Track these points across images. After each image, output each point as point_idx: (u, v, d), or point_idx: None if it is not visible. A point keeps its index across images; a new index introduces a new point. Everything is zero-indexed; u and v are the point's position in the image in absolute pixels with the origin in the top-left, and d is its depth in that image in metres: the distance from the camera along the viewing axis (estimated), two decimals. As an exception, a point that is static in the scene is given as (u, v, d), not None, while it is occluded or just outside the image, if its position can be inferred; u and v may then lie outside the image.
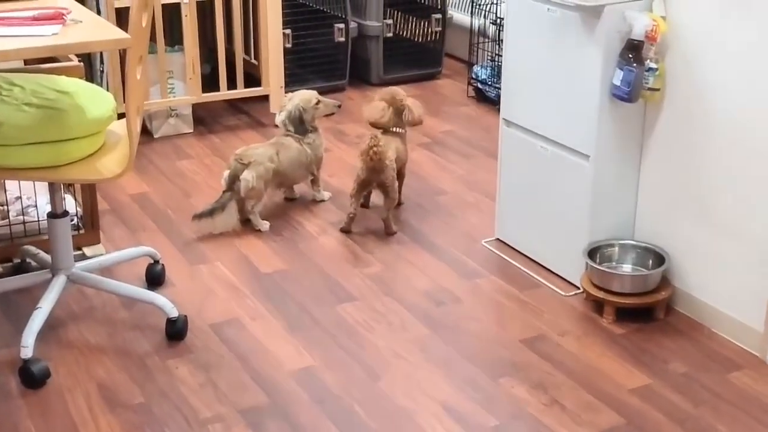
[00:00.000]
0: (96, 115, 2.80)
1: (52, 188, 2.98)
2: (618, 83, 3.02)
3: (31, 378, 2.75)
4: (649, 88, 3.04)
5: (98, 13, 4.39)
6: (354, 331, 3.07)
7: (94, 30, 2.69)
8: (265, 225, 3.75)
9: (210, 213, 3.66)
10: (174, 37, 4.75)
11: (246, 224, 3.74)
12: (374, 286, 3.34)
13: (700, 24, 2.93)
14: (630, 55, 2.99)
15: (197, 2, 4.54)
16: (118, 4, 4.31)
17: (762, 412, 2.69)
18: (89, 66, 4.60)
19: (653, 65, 3.01)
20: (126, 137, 2.80)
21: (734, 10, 2.82)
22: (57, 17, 2.73)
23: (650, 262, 3.21)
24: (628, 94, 3.01)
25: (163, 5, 4.47)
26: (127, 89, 2.69)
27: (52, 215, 2.98)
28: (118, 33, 2.66)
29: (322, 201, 4.00)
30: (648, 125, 3.17)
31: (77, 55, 3.32)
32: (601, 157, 3.15)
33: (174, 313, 2.98)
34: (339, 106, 4.11)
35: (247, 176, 3.68)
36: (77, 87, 2.92)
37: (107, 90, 4.38)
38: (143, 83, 2.81)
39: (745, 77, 2.82)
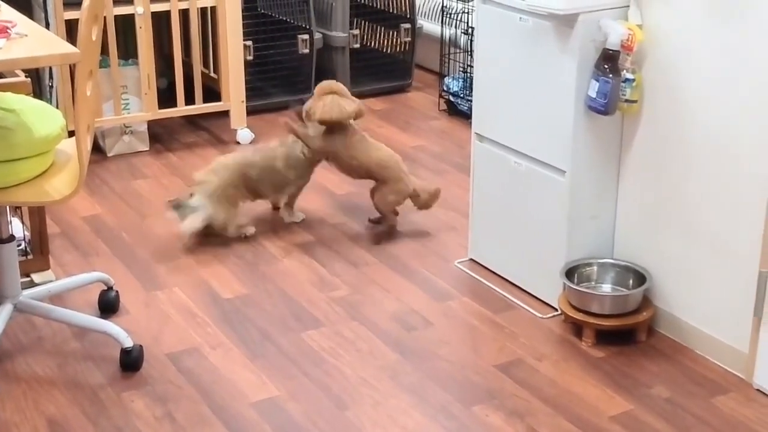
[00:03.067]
0: (44, 133, 2.79)
1: (-2, 211, 2.96)
2: (594, 95, 3.04)
3: (-24, 414, 2.72)
4: (627, 100, 3.06)
5: (47, 25, 4.38)
6: (320, 358, 3.06)
7: (41, 44, 2.68)
8: (251, 230, 3.85)
9: (182, 208, 3.72)
10: (128, 50, 4.75)
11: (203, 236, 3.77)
12: (341, 311, 3.33)
13: (678, 32, 2.96)
14: (606, 66, 3.02)
15: (152, 13, 4.54)
16: (68, 16, 4.30)
17: (748, 437, 2.71)
18: (37, 81, 4.58)
19: (630, 76, 3.03)
20: (76, 156, 2.79)
21: (712, 18, 2.85)
22: (1, 31, 2.72)
23: (631, 281, 3.23)
24: (604, 106, 3.04)
25: (116, 16, 4.47)
26: (76, 106, 2.68)
27: (-3, 240, 2.96)
28: (66, 47, 2.65)
29: (292, 222, 4.00)
30: (626, 138, 3.19)
31: (24, 71, 3.30)
32: (577, 172, 3.17)
33: (128, 342, 2.96)
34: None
35: (195, 218, 3.71)
36: (24, 104, 2.90)
37: (57, 106, 4.37)
38: (94, 99, 2.81)
39: (725, 87, 2.85)
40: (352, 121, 3.90)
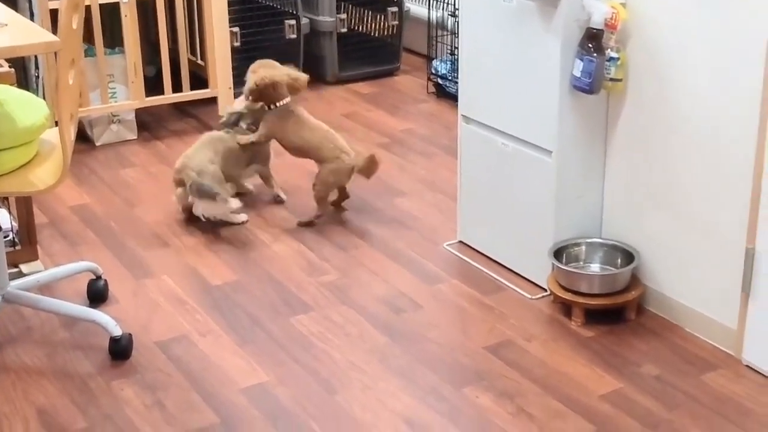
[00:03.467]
0: (28, 123, 2.78)
1: (-17, 203, 2.95)
2: (578, 74, 3.03)
3: (-35, 405, 2.72)
4: (611, 79, 3.06)
5: (31, 14, 4.36)
6: (309, 343, 3.06)
7: (21, 33, 2.67)
8: (242, 217, 3.85)
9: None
10: (114, 39, 4.73)
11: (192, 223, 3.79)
12: (330, 295, 3.33)
13: (662, 10, 2.95)
14: (590, 45, 3.01)
15: (138, 1, 4.52)
16: (52, 6, 4.28)
17: (738, 413, 2.71)
18: (23, 71, 4.57)
19: (614, 54, 3.03)
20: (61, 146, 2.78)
21: (696, -6, 2.85)
22: (-19, 21, 2.72)
23: (619, 260, 3.23)
24: (589, 85, 3.03)
25: (101, 5, 4.45)
26: (58, 95, 2.67)
27: (-17, 231, 2.95)
28: (47, 36, 2.64)
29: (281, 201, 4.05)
30: (611, 117, 3.19)
31: (8, 61, 3.29)
32: (563, 152, 3.17)
33: (117, 331, 2.96)
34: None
35: (198, 209, 3.74)
36: (7, 94, 2.89)
37: (43, 96, 4.36)
38: (76, 88, 2.80)
39: (710, 64, 2.85)
40: (287, 101, 3.89)
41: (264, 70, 3.90)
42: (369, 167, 3.85)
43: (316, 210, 3.84)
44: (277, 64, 3.99)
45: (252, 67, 3.97)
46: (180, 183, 3.78)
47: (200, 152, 3.86)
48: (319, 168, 3.84)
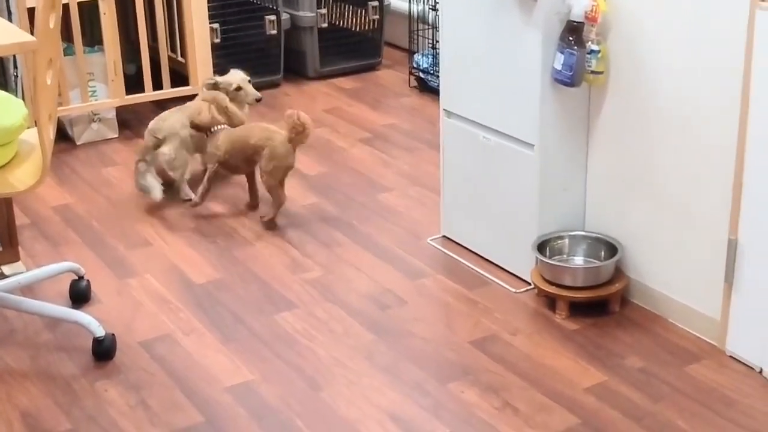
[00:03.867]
0: (6, 124, 2.77)
1: (-37, 204, 2.94)
2: (559, 67, 3.03)
3: (-52, 409, 2.71)
4: (592, 71, 3.06)
5: (8, 13, 4.34)
6: (293, 340, 3.06)
7: (-3, 33, 2.66)
8: (192, 194, 3.95)
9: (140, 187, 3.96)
10: (94, 37, 4.71)
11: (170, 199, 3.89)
12: (314, 292, 3.33)
13: (641, 2, 2.95)
14: (570, 38, 3.01)
15: (116, -1, 4.51)
16: (30, 4, 4.25)
17: (722, 404, 2.72)
18: (2, 70, 4.54)
19: (595, 47, 3.03)
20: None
21: (675, -15, 2.85)
22: (-43, 21, 2.70)
23: (602, 253, 3.23)
24: (570, 78, 3.03)
25: (80, 3, 4.43)
26: (36, 95, 2.65)
27: (-37, 233, 2.94)
28: (23, 36, 2.62)
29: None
30: (593, 110, 3.19)
31: (-14, 61, 3.28)
32: (546, 146, 3.17)
33: (100, 331, 2.95)
34: (258, 100, 4.21)
35: (165, 150, 3.95)
36: (-16, 95, 2.88)
37: (22, 95, 4.33)
38: (54, 88, 2.78)
39: (689, 55, 2.85)
40: (223, 127, 3.88)
41: (199, 112, 3.86)
42: (296, 129, 3.71)
43: (272, 203, 3.82)
44: (221, 100, 3.96)
45: (203, 96, 3.97)
46: (146, 149, 3.97)
47: (175, 115, 4.02)
48: (259, 166, 3.81)
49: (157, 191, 3.91)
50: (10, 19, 4.36)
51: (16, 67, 4.47)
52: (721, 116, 2.80)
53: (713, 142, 2.84)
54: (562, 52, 3.02)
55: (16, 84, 4.50)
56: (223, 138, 3.82)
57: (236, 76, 4.18)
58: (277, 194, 3.78)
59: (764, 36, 2.61)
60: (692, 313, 3.03)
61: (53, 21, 2.67)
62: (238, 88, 4.12)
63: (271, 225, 3.78)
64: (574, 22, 3.00)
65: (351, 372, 2.90)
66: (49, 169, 2.77)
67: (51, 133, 2.77)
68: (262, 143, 3.75)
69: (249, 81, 4.20)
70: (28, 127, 2.91)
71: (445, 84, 3.51)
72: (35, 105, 2.68)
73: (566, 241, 3.28)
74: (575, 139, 3.22)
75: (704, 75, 2.83)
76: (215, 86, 4.11)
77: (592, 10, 2.98)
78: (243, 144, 3.80)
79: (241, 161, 3.83)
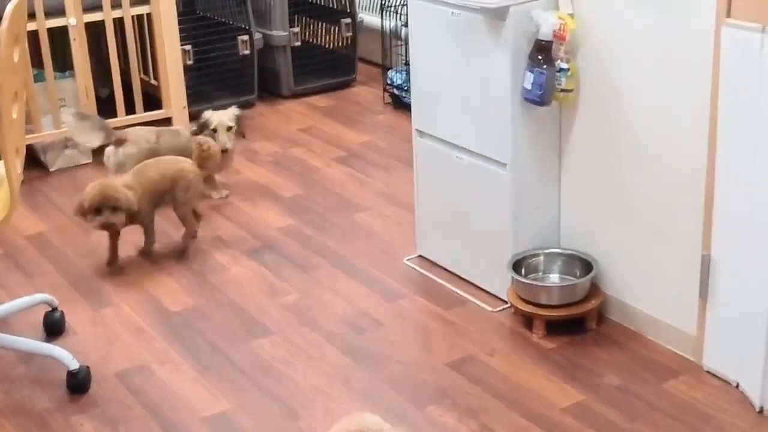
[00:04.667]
0: (-27, 159, 2.75)
1: (-68, 240, 2.91)
2: (529, 87, 3.03)
3: None
4: (562, 90, 3.06)
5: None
6: (271, 367, 3.04)
7: (-40, 70, 2.63)
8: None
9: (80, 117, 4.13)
10: (65, 63, 4.69)
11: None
12: (291, 317, 3.32)
13: (609, 19, 2.96)
14: (539, 57, 3.01)
15: (87, 23, 4.49)
16: (-1, 32, 4.22)
17: (700, 420, 2.72)
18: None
19: (564, 65, 3.03)
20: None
21: (641, 2, 2.85)
22: None
23: (578, 270, 3.23)
24: (540, 97, 3.03)
25: (49, 29, 4.41)
26: (2, 131, 2.63)
27: (-67, 270, 2.91)
28: (-14, 72, 2.60)
29: (221, 198, 4.21)
30: (564, 128, 3.19)
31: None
32: (518, 164, 3.17)
33: (74, 364, 2.93)
34: (224, 151, 4.12)
35: (120, 151, 4.07)
36: (-48, 129, 2.85)
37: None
38: (21, 122, 2.76)
39: (658, 71, 2.86)
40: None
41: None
42: (202, 154, 3.79)
43: (185, 234, 3.79)
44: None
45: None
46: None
47: (150, 131, 4.19)
48: (172, 196, 3.75)
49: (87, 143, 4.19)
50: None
51: (-14, 95, 4.44)
52: (691, 132, 2.80)
53: (684, 158, 2.85)
54: (531, 71, 3.02)
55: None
56: (131, 182, 3.68)
57: (218, 117, 4.19)
58: (192, 223, 3.79)
59: (730, 52, 2.62)
60: (668, 328, 3.03)
61: (17, 54, 2.65)
62: (214, 130, 4.15)
63: (183, 255, 3.76)
64: (543, 41, 3.00)
65: (329, 399, 2.89)
66: (17, 203, 2.75)
67: (18, 167, 2.75)
68: (177, 175, 3.73)
69: (236, 119, 4.22)
70: (-3, 161, 2.89)
71: (416, 104, 3.51)
72: (1, 140, 2.65)
73: (541, 258, 3.28)
74: (547, 157, 3.22)
75: (673, 91, 2.83)
76: (201, 126, 4.17)
77: (560, 29, 2.98)
78: (156, 182, 3.71)
79: (157, 199, 3.74)
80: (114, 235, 3.69)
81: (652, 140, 2.93)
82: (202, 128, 4.16)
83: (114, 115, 4.66)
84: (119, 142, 4.09)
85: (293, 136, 4.88)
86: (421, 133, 3.50)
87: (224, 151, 4.08)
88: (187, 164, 3.77)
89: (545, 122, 3.17)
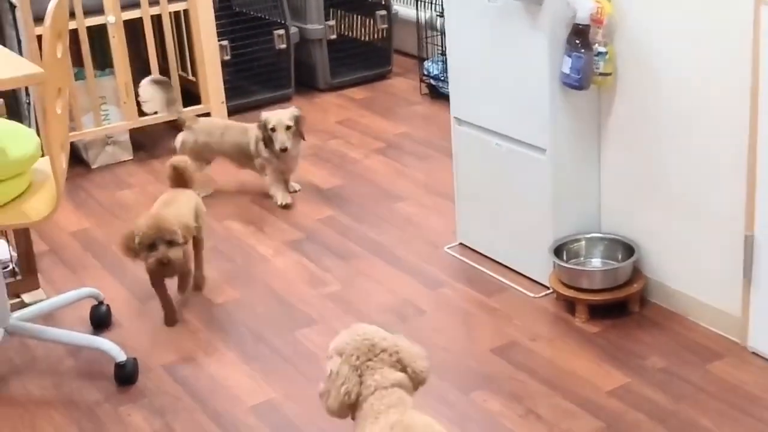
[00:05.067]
0: (18, 155, 2.78)
1: (-21, 237, 2.96)
2: (567, 71, 3.03)
3: (-26, 441, 2.73)
4: (601, 73, 3.05)
5: (18, 42, 4.37)
6: (315, 356, 3.06)
7: (4, 66, 2.67)
8: (205, 191, 4.11)
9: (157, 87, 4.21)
10: (104, 60, 4.73)
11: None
12: (334, 307, 3.33)
13: (646, 1, 2.95)
14: (577, 41, 3.01)
15: (125, 21, 4.53)
16: (39, 31, 4.27)
17: (745, 401, 2.71)
18: (15, 98, 4.57)
19: (602, 49, 3.02)
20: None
21: (679, -16, 2.85)
22: (-35, 55, 2.72)
23: (619, 254, 3.22)
24: (579, 81, 3.03)
25: (89, 27, 4.46)
26: (46, 125, 2.67)
27: (-19, 266, 2.96)
28: (30, 67, 2.64)
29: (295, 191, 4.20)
30: (604, 112, 3.18)
31: (-2, 91, 3.30)
32: (557, 150, 3.17)
33: (122, 356, 2.96)
34: (284, 150, 4.02)
35: (179, 135, 4.19)
36: (-3, 127, 2.90)
37: (35, 124, 4.36)
38: (65, 117, 2.80)
39: (696, 51, 2.84)
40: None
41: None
42: (177, 173, 3.49)
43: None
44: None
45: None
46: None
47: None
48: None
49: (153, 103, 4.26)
50: (19, 47, 4.40)
51: (28, 94, 4.50)
52: (732, 112, 2.78)
53: (725, 138, 2.83)
54: (569, 56, 3.02)
55: (28, 111, 4.53)
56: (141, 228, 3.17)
57: (277, 116, 4.07)
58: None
59: (771, 31, 2.60)
60: (712, 310, 3.01)
61: (60, 50, 2.69)
62: (273, 129, 4.03)
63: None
64: (580, 24, 2.99)
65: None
66: (63, 198, 2.79)
67: (63, 162, 2.79)
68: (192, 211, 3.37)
69: (295, 119, 4.07)
70: (41, 156, 2.92)
71: (454, 92, 3.51)
72: (47, 135, 2.70)
73: (583, 243, 3.28)
74: (587, 142, 3.21)
75: (713, 72, 2.82)
76: (264, 125, 4.07)
77: (597, 12, 2.98)
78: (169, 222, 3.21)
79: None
80: (161, 284, 3.28)
81: (692, 121, 2.91)
82: (263, 128, 4.05)
83: (153, 111, 4.69)
84: (183, 125, 4.20)
85: (331, 129, 4.90)
86: (459, 120, 3.51)
87: (283, 150, 4.01)
88: (184, 195, 3.42)
89: (584, 106, 3.16)
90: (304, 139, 4.14)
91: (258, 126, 4.10)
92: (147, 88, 4.24)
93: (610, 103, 3.14)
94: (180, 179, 3.48)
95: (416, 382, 2.23)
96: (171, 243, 3.15)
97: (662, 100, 2.98)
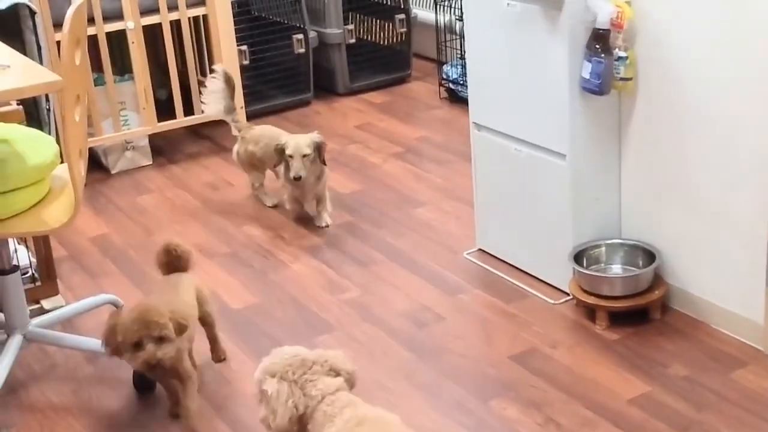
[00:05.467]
0: (37, 161, 2.78)
1: (-1, 243, 2.95)
2: (587, 76, 3.00)
3: (-7, 448, 2.73)
4: (621, 78, 3.03)
5: (38, 48, 4.37)
6: (333, 363, 3.04)
7: (24, 74, 2.67)
8: (271, 200, 4.13)
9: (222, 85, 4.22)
10: (124, 66, 4.74)
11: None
12: (352, 313, 3.32)
13: (667, 5, 2.92)
14: (597, 46, 2.98)
15: (144, 26, 4.53)
16: (59, 37, 4.27)
17: (769, 410, 2.68)
18: (35, 105, 4.57)
19: (622, 54, 2.99)
20: (72, 182, 2.78)
21: (700, -12, 2.82)
22: (-17, 64, 2.71)
23: (640, 260, 3.19)
24: (599, 86, 3.00)
25: (108, 33, 4.46)
26: (65, 133, 2.66)
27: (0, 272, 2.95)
28: (49, 75, 2.63)
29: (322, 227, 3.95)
30: (624, 117, 3.15)
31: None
32: (577, 155, 3.14)
33: (141, 363, 2.95)
34: (297, 179, 3.84)
35: (235, 148, 4.22)
36: (16, 133, 2.90)
37: (56, 130, 4.36)
38: (83, 124, 2.79)
39: (718, 56, 2.81)
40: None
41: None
42: (169, 255, 2.99)
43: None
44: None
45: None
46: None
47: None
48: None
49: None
50: (39, 53, 4.39)
51: (48, 100, 4.50)
52: (755, 116, 2.75)
53: (748, 143, 2.80)
54: (589, 61, 2.99)
55: (48, 117, 4.53)
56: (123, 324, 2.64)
57: (295, 142, 3.88)
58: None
59: (793, 35, 2.57)
60: (735, 317, 2.98)
61: (78, 57, 2.68)
62: (290, 156, 3.85)
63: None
64: (600, 29, 2.96)
65: (392, 394, 2.88)
66: (81, 204, 2.78)
67: (82, 169, 2.78)
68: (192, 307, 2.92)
69: (315, 146, 3.88)
70: (60, 163, 2.92)
71: (473, 97, 3.49)
72: (65, 142, 2.69)
73: (603, 249, 3.25)
74: (607, 147, 3.18)
75: (736, 75, 2.78)
76: (282, 150, 3.90)
77: (617, 17, 2.95)
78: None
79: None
80: (163, 374, 2.77)
81: (715, 125, 2.88)
82: (281, 153, 3.89)
83: (173, 116, 4.70)
84: (239, 130, 4.23)
85: (350, 133, 4.88)
86: (478, 126, 3.49)
87: (297, 179, 3.83)
88: (185, 281, 2.96)
89: (604, 112, 3.14)
90: (325, 164, 3.93)
91: (275, 150, 3.93)
92: (216, 83, 4.23)
93: (631, 107, 3.11)
94: (174, 263, 2.98)
95: (351, 383, 2.35)
96: (161, 339, 2.61)
97: (684, 103, 2.95)
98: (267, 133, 4.19)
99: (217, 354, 3.11)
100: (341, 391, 2.28)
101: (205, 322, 3.03)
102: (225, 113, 4.25)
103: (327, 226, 3.94)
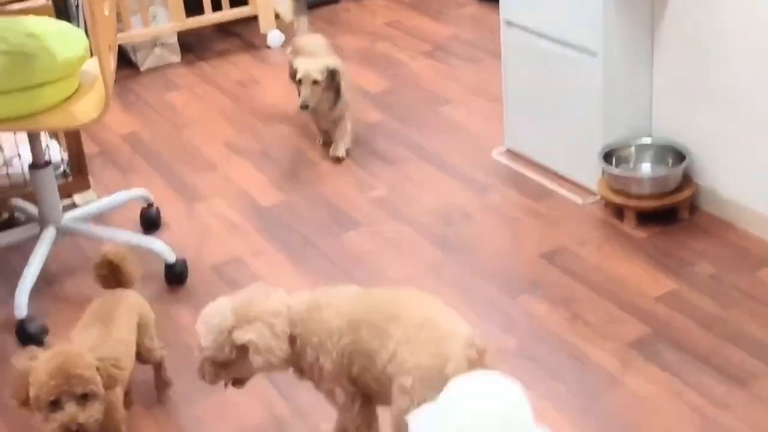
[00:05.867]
0: (67, 56, 2.77)
1: (31, 138, 2.96)
2: (621, -29, 2.95)
3: (28, 337, 2.77)
4: (656, -26, 2.97)
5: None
6: (362, 259, 3.07)
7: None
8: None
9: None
10: (152, -39, 4.68)
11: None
12: (381, 211, 3.33)
13: None
14: (632, -60, 2.92)
15: None
16: (86, -68, 4.23)
17: (796, 309, 2.69)
18: (64, 1, 4.54)
19: (658, -52, 2.93)
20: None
21: None
22: (13, -44, 2.69)
23: (670, 160, 3.17)
24: (632, -18, 2.95)
25: (136, -72, 4.41)
26: (94, 28, 2.65)
27: (33, 166, 2.97)
28: (77, -32, 2.61)
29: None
30: (657, 12, 3.10)
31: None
32: (609, 52, 3.10)
33: (172, 257, 2.99)
34: (305, 107, 3.56)
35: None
36: (46, 28, 2.87)
37: (84, 25, 4.34)
38: (112, 18, 2.78)
39: (757, -47, 2.75)
40: None
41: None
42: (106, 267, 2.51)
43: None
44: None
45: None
46: None
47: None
48: None
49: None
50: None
51: (76, -5, 4.47)
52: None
53: (783, 42, 2.75)
54: (623, -44, 2.93)
55: (77, 13, 4.51)
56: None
57: (305, 67, 3.55)
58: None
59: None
60: (763, 218, 2.97)
61: (107, -49, 2.65)
62: (299, 81, 3.56)
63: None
64: (636, -77, 2.90)
65: (420, 289, 2.89)
66: (111, 100, 2.78)
67: (112, 63, 2.77)
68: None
69: (329, 73, 3.56)
70: (90, 58, 2.91)
71: (504, -7, 3.44)
72: (94, 37, 2.67)
73: (633, 149, 3.23)
74: (639, 44, 3.14)
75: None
76: (294, 74, 3.59)
77: None
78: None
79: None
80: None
81: (751, 22, 2.83)
82: (292, 77, 3.62)
83: (201, 11, 4.66)
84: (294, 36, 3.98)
85: (378, 31, 4.83)
86: (509, 23, 3.44)
87: (303, 107, 3.54)
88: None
89: (637, 7, 3.08)
90: (339, 95, 3.60)
91: (289, 72, 3.67)
92: None
93: (664, 3, 3.06)
94: (114, 277, 2.50)
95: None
96: (85, 397, 2.04)
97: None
98: (307, 47, 3.76)
99: (161, 390, 2.56)
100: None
101: (146, 359, 2.46)
102: (294, 13, 4.04)
103: (339, 159, 3.65)
